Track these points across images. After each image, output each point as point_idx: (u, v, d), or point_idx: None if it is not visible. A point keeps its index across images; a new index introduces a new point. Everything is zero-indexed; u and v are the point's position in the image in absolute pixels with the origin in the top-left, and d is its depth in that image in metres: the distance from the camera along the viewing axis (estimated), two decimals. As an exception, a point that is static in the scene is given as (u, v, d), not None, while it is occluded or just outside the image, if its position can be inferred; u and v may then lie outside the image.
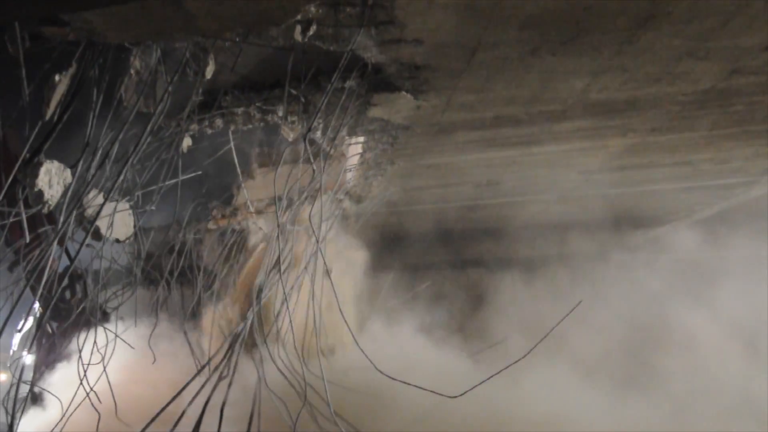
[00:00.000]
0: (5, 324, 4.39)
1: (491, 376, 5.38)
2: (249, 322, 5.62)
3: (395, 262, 13.45)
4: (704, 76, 5.96)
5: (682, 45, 5.29)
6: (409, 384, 5.68)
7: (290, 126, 6.29)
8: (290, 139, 6.46)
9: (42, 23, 4.29)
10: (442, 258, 14.28)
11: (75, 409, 5.88)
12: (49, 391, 6.16)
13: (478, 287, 13.96)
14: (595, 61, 5.58)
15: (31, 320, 6.20)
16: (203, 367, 5.14)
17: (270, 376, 5.77)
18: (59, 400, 6.27)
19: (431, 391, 5.53)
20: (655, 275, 12.00)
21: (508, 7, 4.60)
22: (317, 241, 5.94)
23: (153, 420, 4.55)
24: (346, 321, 5.95)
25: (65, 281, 5.65)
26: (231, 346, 5.40)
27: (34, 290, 5.00)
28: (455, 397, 5.37)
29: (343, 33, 4.88)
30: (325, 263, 6.20)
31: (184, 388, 4.77)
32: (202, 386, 4.79)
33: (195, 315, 9.77)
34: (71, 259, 5.17)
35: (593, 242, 12.67)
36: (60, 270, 5.80)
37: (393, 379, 5.73)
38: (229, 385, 5.16)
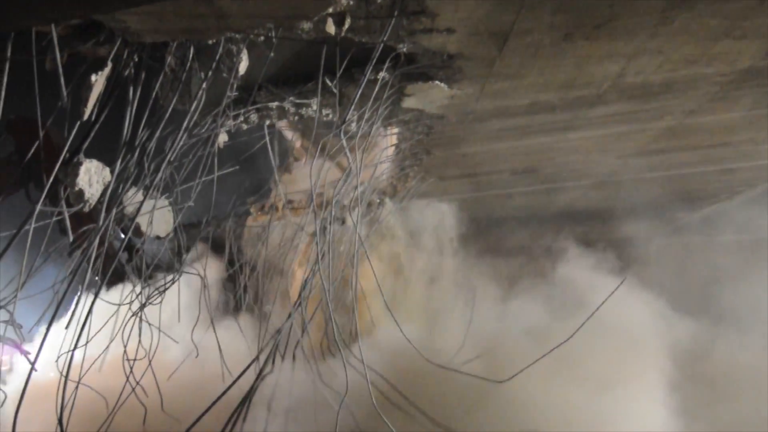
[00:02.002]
0: (52, 320, 4.47)
1: (539, 359, 5.40)
2: (291, 320, 5.66)
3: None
4: (742, 55, 5.89)
5: (719, 25, 5.22)
6: (457, 371, 5.72)
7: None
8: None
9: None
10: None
11: (122, 404, 5.97)
12: (94, 389, 6.24)
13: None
14: (629, 44, 5.54)
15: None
16: (248, 367, 5.18)
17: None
18: (104, 398, 6.37)
19: (479, 377, 5.57)
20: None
21: (540, -8, 4.60)
22: (356, 231, 5.97)
23: (199, 418, 4.60)
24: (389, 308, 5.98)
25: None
26: (275, 342, 5.44)
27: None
28: (502, 381, 5.40)
29: (374, 24, 4.89)
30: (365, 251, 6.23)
31: (229, 388, 4.81)
32: (253, 383, 4.83)
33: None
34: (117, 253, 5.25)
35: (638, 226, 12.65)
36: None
37: (440, 366, 5.77)
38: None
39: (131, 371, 6.06)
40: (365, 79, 5.36)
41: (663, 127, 8.02)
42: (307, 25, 4.76)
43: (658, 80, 6.41)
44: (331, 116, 6.28)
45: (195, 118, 5.19)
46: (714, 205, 12.92)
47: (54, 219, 5.02)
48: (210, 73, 5.04)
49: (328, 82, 5.63)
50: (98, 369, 6.28)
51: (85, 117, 4.53)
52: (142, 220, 5.65)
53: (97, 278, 5.48)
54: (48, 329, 4.57)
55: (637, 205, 12.32)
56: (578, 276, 10.62)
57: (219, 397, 4.73)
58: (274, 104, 6.10)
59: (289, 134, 9.08)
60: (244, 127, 6.42)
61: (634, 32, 5.30)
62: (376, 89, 5.75)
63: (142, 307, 6.22)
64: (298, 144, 9.29)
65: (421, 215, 11.69)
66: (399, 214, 11.17)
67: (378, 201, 9.76)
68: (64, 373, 4.82)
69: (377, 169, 8.24)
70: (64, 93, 4.23)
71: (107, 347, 6.43)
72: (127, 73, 4.76)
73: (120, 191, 5.07)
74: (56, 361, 5.47)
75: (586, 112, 7.29)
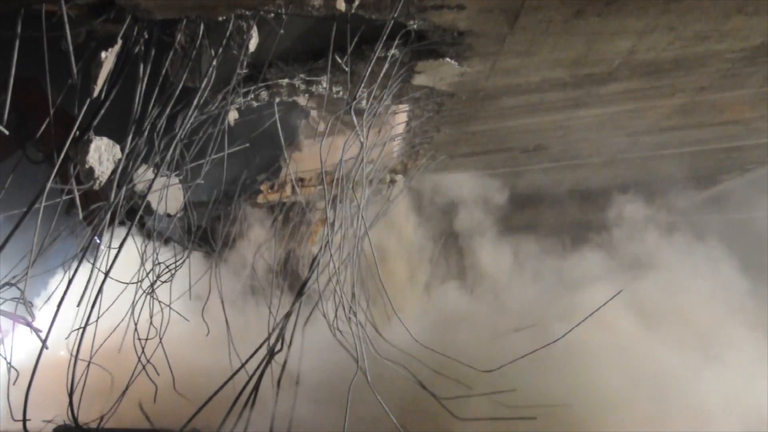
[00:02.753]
0: (63, 297, 4.48)
1: (532, 352, 5.41)
2: (301, 298, 5.66)
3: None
4: (754, 32, 5.85)
5: (731, 1, 5.19)
6: (446, 356, 5.72)
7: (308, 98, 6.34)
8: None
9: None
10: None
11: (133, 381, 6.00)
12: (103, 368, 6.27)
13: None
14: (641, 21, 5.50)
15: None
16: (259, 347, 5.19)
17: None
18: (110, 373, 6.40)
19: (466, 365, 5.56)
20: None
21: (551, -32, 4.57)
22: (359, 210, 5.97)
23: (210, 399, 4.61)
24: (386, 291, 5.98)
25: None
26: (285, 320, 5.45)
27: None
28: (489, 371, 5.40)
29: (384, 1, 4.86)
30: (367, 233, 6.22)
31: (241, 368, 4.83)
32: (262, 363, 4.83)
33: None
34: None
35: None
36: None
37: (433, 350, 5.77)
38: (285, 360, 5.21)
39: (143, 350, 6.10)
40: (375, 56, 5.33)
41: (674, 104, 7.99)
42: (317, 2, 4.74)
43: (670, 57, 6.38)
44: (341, 93, 6.27)
45: (205, 95, 5.18)
46: (725, 182, 12.90)
47: (64, 197, 5.03)
48: (220, 50, 5.03)
49: (338, 59, 5.61)
50: (108, 347, 6.29)
51: (95, 94, 4.52)
52: (152, 198, 5.65)
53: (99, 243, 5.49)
54: (59, 307, 4.57)
55: (662, 181, 12.31)
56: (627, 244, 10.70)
57: (227, 381, 4.74)
58: (285, 81, 6.09)
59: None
60: (255, 104, 6.41)
61: (646, 8, 5.27)
62: (386, 66, 5.73)
63: (153, 285, 6.24)
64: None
65: (455, 189, 11.74)
66: (432, 187, 11.22)
67: (389, 179, 9.75)
68: (74, 352, 4.83)
69: (387, 146, 8.22)
70: (75, 70, 4.22)
71: (118, 325, 6.45)
72: (137, 50, 4.75)
73: (130, 169, 5.08)
74: (66, 338, 5.49)
75: (597, 90, 7.26)
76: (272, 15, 4.91)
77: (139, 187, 5.42)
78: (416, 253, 12.81)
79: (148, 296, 6.26)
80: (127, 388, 5.96)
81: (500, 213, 12.67)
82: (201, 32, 4.98)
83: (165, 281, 6.50)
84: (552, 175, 12.00)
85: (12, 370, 5.91)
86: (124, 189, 5.04)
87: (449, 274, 13.24)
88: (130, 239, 4.95)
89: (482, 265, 12.83)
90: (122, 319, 6.36)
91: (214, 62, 5.04)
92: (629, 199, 12.64)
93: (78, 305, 4.85)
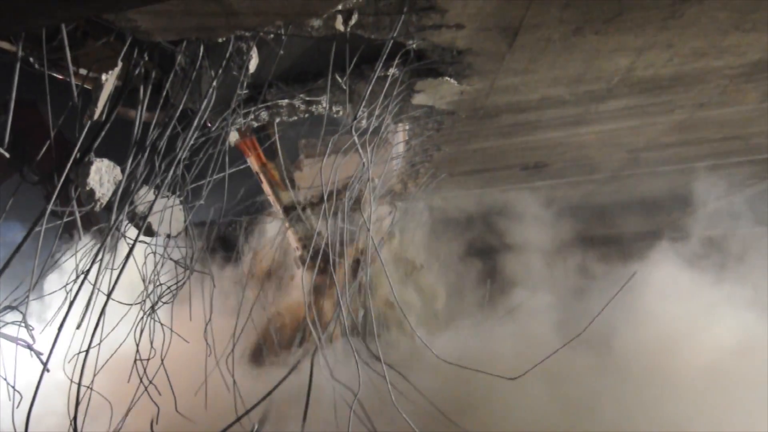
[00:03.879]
0: (63, 321, 4.47)
1: (549, 356, 5.39)
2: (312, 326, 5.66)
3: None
4: (751, 48, 5.87)
5: (728, 18, 5.21)
6: (467, 368, 5.70)
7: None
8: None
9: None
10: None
11: (134, 403, 5.98)
12: (102, 395, 6.23)
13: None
14: (639, 38, 5.52)
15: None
16: (286, 377, 5.20)
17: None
18: (110, 403, 6.37)
19: (490, 374, 5.55)
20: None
21: (549, -14, 4.59)
22: (368, 230, 5.96)
23: (238, 420, 4.61)
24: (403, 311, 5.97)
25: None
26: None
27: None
28: (514, 378, 5.38)
29: (383, 21, 4.88)
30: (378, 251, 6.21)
31: (272, 392, 4.83)
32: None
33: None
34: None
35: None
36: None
37: (452, 363, 5.75)
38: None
39: (144, 371, 6.07)
40: (375, 76, 5.35)
41: (673, 120, 8.00)
42: (316, 23, 4.76)
43: (668, 74, 6.39)
44: (341, 113, 6.28)
45: (206, 116, 5.19)
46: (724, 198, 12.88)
47: (65, 219, 5.02)
48: (220, 71, 5.04)
49: (338, 78, 5.63)
50: (108, 368, 6.26)
51: (96, 116, 4.53)
52: (153, 219, 5.64)
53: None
54: (60, 329, 4.56)
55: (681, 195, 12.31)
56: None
57: (255, 405, 4.74)
58: (285, 101, 6.09)
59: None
60: (255, 125, 6.42)
61: (644, 26, 5.29)
62: (386, 86, 5.74)
63: (154, 306, 6.22)
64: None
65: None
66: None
67: (390, 198, 9.77)
68: (77, 375, 4.81)
69: (389, 165, 8.23)
70: (75, 93, 4.24)
71: (118, 348, 6.43)
72: (137, 72, 4.77)
73: (131, 190, 5.07)
74: (69, 362, 5.46)
75: (597, 107, 7.27)
76: (272, 36, 4.93)
77: (140, 208, 5.41)
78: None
79: (150, 317, 6.23)
80: (128, 412, 5.93)
81: (551, 226, 12.71)
82: (201, 54, 5.00)
83: (166, 302, 6.47)
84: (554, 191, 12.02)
85: (15, 393, 5.88)
86: (125, 210, 5.03)
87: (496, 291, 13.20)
88: (131, 261, 4.94)
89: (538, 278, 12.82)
90: (123, 341, 6.33)
91: (214, 83, 5.05)
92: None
93: (78, 327, 4.83)
